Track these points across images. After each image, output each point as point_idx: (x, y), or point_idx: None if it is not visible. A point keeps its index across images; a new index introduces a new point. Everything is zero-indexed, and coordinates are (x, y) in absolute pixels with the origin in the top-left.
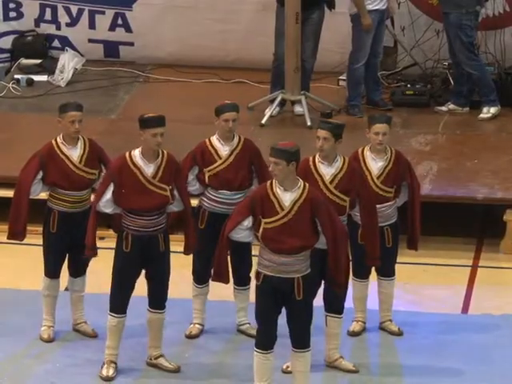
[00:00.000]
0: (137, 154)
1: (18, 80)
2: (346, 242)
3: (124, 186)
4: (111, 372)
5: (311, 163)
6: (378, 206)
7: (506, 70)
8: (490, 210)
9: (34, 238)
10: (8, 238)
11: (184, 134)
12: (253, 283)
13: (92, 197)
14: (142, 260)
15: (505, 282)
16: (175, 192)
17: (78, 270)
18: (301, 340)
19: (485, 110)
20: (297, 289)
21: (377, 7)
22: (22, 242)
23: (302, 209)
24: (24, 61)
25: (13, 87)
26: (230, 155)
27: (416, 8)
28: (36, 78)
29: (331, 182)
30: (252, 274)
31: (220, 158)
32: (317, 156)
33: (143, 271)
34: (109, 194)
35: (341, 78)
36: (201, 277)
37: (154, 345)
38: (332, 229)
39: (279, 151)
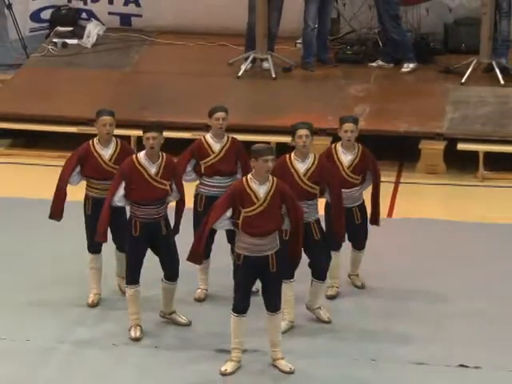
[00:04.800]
0: (142, 155)
1: (55, 43)
2: (303, 223)
3: (132, 182)
4: (138, 333)
5: (288, 160)
6: (348, 190)
7: (421, 35)
8: (409, 140)
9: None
10: (49, 218)
11: (182, 83)
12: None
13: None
14: (148, 241)
15: (419, 194)
16: (173, 186)
17: (118, 246)
18: (274, 305)
19: (405, 65)
20: (271, 263)
21: None
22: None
23: (273, 198)
24: (60, 28)
25: (51, 48)
26: (220, 151)
27: None
28: (69, 41)
29: (305, 175)
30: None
31: (213, 153)
32: (292, 154)
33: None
34: (121, 191)
35: (297, 41)
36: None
37: (166, 305)
38: (294, 212)
39: (272, 150)
